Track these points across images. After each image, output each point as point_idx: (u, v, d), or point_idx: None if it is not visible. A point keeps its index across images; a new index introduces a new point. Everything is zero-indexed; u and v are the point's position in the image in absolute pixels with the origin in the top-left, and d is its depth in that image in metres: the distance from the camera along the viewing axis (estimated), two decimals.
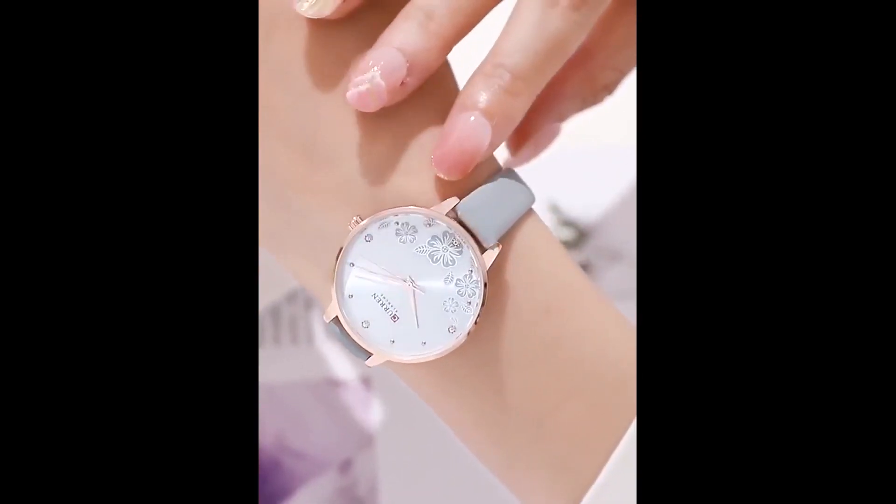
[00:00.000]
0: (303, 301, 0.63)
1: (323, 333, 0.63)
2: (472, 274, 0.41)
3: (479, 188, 0.42)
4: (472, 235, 0.41)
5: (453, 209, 0.41)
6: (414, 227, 0.41)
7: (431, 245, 0.41)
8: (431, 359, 0.41)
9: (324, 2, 0.41)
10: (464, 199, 0.41)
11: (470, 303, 0.41)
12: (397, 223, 0.41)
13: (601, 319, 0.43)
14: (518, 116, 0.42)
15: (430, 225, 0.41)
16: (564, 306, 0.43)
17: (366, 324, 0.41)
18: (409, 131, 0.43)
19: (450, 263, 0.41)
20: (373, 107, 0.41)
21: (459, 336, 0.41)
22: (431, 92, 0.44)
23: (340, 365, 0.63)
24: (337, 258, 0.41)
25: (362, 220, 0.41)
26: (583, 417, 0.42)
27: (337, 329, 0.42)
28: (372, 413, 0.62)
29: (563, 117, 0.52)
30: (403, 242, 0.41)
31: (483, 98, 0.41)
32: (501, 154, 0.45)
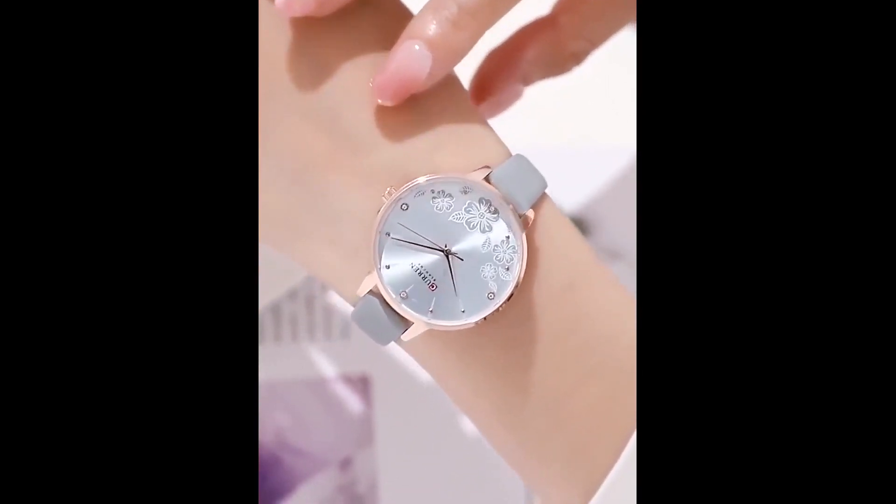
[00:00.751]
0: (304, 299, 0.63)
1: (324, 331, 0.63)
2: (510, 240, 0.41)
3: (507, 161, 0.42)
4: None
5: (485, 178, 0.41)
6: (450, 193, 0.41)
7: (468, 212, 0.41)
8: (470, 326, 0.41)
9: None
10: (495, 168, 0.42)
11: (509, 269, 0.41)
12: (433, 191, 0.41)
13: (617, 299, 0.43)
14: (463, 50, 0.42)
15: (466, 192, 0.41)
16: (585, 284, 0.43)
17: (404, 294, 0.41)
18: (433, 106, 0.43)
19: (487, 230, 0.41)
20: (298, 12, 0.42)
21: (498, 302, 0.41)
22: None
23: (341, 363, 0.62)
24: (374, 229, 0.41)
25: (397, 190, 0.41)
26: (601, 399, 0.42)
27: (374, 301, 0.41)
28: (372, 411, 0.62)
29: (527, 80, 0.52)
30: (440, 210, 0.41)
31: (429, 29, 0.42)
32: None
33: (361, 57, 0.43)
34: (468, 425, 0.61)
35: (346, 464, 0.61)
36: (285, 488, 0.60)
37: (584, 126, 0.64)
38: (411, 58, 0.41)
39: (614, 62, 0.64)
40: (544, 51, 0.52)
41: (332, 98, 0.42)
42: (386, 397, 0.62)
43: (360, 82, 0.43)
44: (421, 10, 0.42)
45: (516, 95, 0.52)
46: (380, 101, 0.42)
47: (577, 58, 0.53)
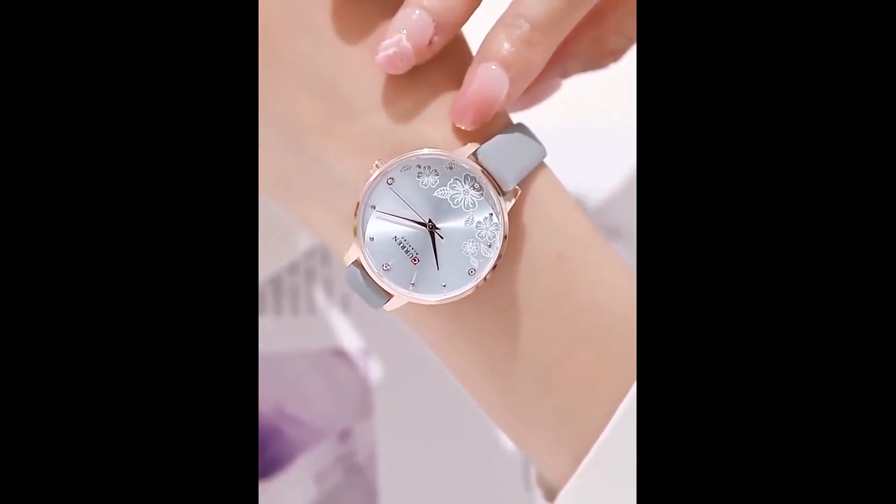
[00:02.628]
0: (304, 272, 0.64)
1: (324, 304, 0.63)
2: (493, 217, 0.41)
3: (497, 136, 0.43)
4: (492, 180, 0.42)
5: (473, 154, 0.42)
6: (435, 170, 0.42)
7: (452, 188, 0.42)
8: (451, 301, 0.41)
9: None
10: (483, 144, 0.42)
11: (490, 245, 0.41)
12: (419, 166, 0.42)
13: (611, 269, 0.44)
14: (537, 67, 0.43)
15: (451, 168, 0.42)
16: (576, 254, 0.43)
17: (386, 266, 0.42)
18: (429, 80, 0.43)
19: (470, 207, 0.42)
20: (402, 69, 0.42)
21: (479, 278, 0.41)
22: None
23: (341, 335, 0.63)
24: (359, 201, 0.42)
25: (384, 163, 0.41)
26: (591, 366, 0.43)
27: (358, 272, 0.42)
28: (371, 383, 0.62)
29: (565, 74, 0.53)
30: (425, 185, 0.42)
31: (503, 48, 0.42)
32: None
33: (359, 26, 0.43)
34: (466, 397, 0.61)
35: (345, 435, 0.61)
36: (284, 458, 0.61)
37: (585, 108, 0.64)
38: (489, 79, 0.42)
39: None
40: (588, 46, 0.52)
41: (328, 66, 0.43)
42: (385, 369, 0.62)
43: (356, 50, 0.43)
44: (492, 29, 0.43)
45: (554, 88, 0.53)
46: (461, 126, 0.42)
47: (615, 55, 0.53)
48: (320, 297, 0.63)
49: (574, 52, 0.51)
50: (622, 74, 0.57)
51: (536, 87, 0.52)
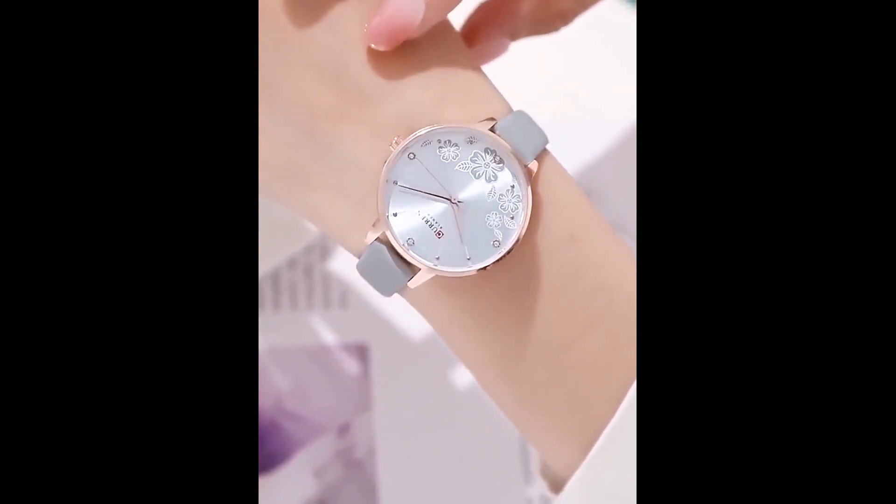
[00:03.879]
0: (303, 267, 0.64)
1: (323, 299, 0.63)
2: (515, 189, 0.42)
3: (511, 114, 0.43)
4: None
5: (491, 129, 0.42)
6: (456, 143, 0.42)
7: (474, 161, 0.42)
8: (476, 273, 0.42)
9: None
10: (500, 120, 0.42)
11: (513, 217, 0.42)
12: (439, 140, 0.42)
13: (616, 252, 0.44)
14: None
15: (471, 142, 0.42)
16: (585, 236, 0.43)
17: (411, 241, 0.42)
18: (439, 60, 0.44)
19: (492, 179, 0.42)
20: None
21: (504, 250, 0.41)
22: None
23: (340, 330, 0.63)
24: (382, 177, 0.42)
25: (403, 139, 0.42)
26: (600, 351, 0.43)
27: (383, 248, 0.42)
28: (370, 378, 0.62)
29: (514, 36, 0.53)
30: (446, 159, 0.42)
31: None
32: None
33: (366, 9, 0.44)
34: (465, 391, 0.61)
35: (344, 429, 0.61)
36: (284, 453, 0.61)
37: (586, 101, 0.65)
38: (405, 4, 0.42)
39: (615, 38, 0.65)
40: (535, 7, 0.52)
41: (338, 50, 0.43)
42: (383, 364, 0.62)
43: (364, 34, 0.43)
44: None
45: (502, 48, 0.53)
46: (373, 45, 0.42)
47: (564, 17, 0.53)
48: (319, 293, 0.63)
49: (519, 12, 0.52)
50: (623, 68, 0.57)
51: (483, 47, 0.52)
